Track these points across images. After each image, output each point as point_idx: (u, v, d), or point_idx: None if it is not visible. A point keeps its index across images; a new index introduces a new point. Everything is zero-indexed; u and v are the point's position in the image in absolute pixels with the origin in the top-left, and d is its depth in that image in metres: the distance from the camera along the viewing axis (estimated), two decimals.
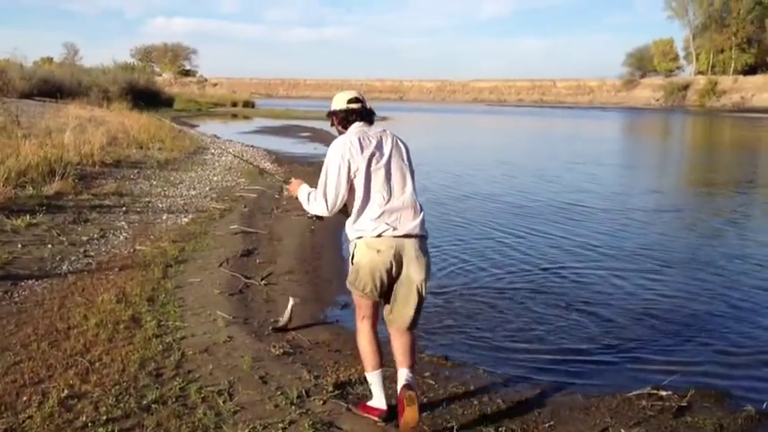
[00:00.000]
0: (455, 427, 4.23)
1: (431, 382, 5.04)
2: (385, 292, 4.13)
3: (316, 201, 4.20)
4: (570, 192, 16.03)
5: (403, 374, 4.14)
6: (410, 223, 4.07)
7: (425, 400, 4.68)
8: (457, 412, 4.52)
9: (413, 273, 4.04)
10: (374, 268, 4.01)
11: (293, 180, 4.65)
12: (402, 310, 4.12)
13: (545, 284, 8.03)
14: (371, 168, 4.08)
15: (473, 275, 8.36)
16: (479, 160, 23.90)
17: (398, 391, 4.06)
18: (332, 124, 4.40)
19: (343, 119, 4.30)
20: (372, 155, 4.10)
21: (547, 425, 4.42)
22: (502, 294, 7.60)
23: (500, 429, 4.29)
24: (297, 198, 4.45)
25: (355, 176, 4.06)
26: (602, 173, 20.68)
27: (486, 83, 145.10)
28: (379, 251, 3.99)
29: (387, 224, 4.01)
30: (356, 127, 4.24)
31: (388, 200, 4.08)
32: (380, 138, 4.21)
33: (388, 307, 4.18)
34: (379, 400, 4.27)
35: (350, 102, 4.30)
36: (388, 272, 4.02)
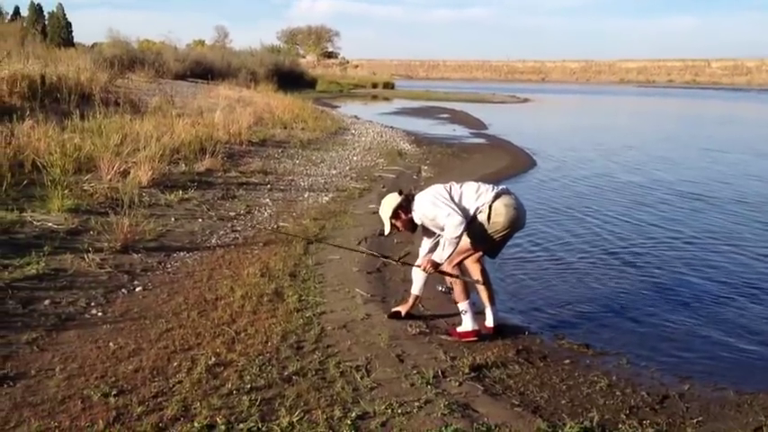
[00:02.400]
0: (595, 418, 4.10)
1: (570, 369, 4.92)
2: None
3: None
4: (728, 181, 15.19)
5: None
6: None
7: (564, 387, 4.58)
8: (598, 402, 4.40)
9: None
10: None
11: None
12: None
13: (692, 276, 7.66)
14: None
15: (615, 261, 8.09)
16: (621, 144, 23.04)
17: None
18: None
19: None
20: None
21: (695, 420, 4.21)
22: (648, 284, 7.31)
23: (644, 422, 4.12)
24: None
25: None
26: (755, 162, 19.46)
27: (633, 63, 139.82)
28: None
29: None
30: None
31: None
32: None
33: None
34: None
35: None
36: None
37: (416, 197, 5.35)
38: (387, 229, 5.43)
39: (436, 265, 5.15)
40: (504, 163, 16.54)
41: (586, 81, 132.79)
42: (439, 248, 5.10)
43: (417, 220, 5.35)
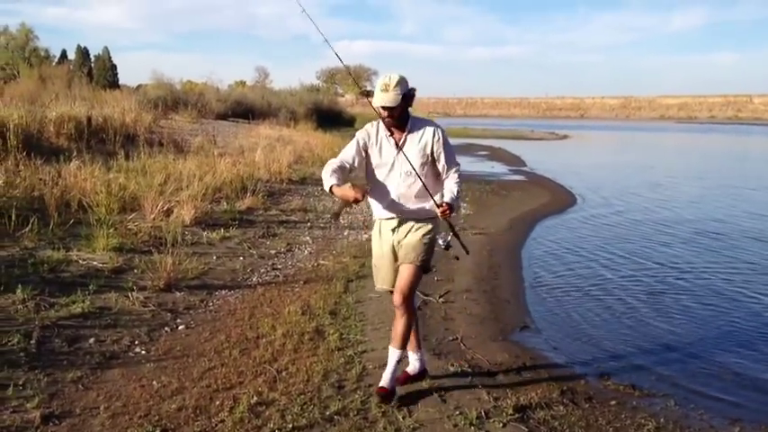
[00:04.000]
0: None
1: (617, 410, 4.82)
2: None
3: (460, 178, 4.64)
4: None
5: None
6: None
7: (611, 429, 4.48)
8: None
9: None
10: None
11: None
12: None
13: (737, 314, 7.49)
14: None
15: (657, 299, 7.95)
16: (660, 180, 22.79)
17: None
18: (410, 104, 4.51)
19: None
20: None
21: None
22: (692, 322, 7.17)
23: None
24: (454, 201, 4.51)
25: None
26: None
27: (674, 99, 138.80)
28: None
29: None
30: None
31: None
32: None
33: None
34: None
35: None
36: None
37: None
38: (392, 100, 4.32)
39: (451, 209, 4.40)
40: (545, 200, 16.44)
41: (626, 117, 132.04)
42: (448, 194, 4.44)
43: (415, 138, 4.49)
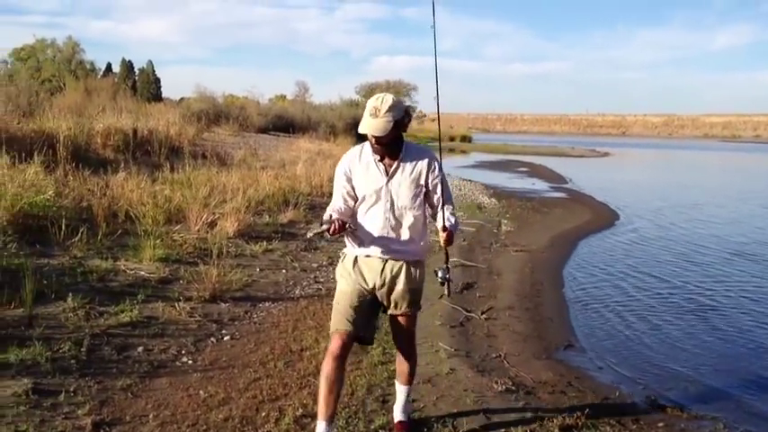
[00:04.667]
0: None
1: None
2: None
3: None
4: None
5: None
6: None
7: None
8: None
9: None
10: None
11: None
12: None
13: None
14: None
15: (704, 318, 7.83)
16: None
17: None
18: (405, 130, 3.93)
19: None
20: None
21: None
22: (740, 343, 7.05)
23: None
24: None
25: None
26: None
27: (718, 117, 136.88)
28: None
29: None
30: None
31: None
32: None
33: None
34: None
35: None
36: None
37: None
38: (380, 129, 3.78)
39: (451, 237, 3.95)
40: (587, 218, 16.30)
41: (668, 135, 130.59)
42: (447, 221, 3.91)
43: (408, 167, 3.92)
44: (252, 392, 4.91)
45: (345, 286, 4.01)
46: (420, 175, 3.91)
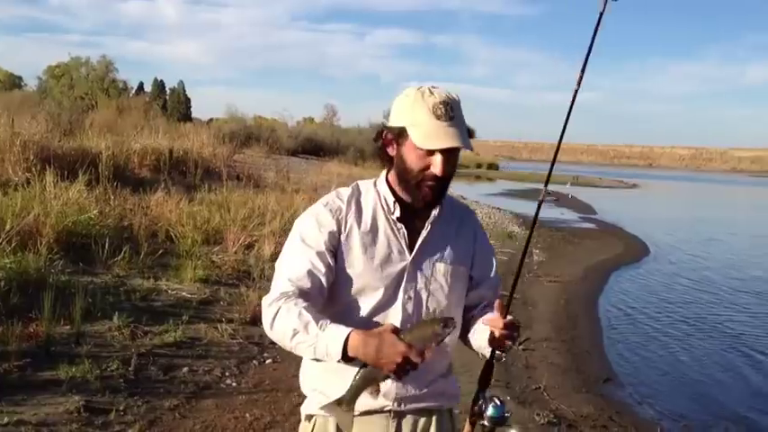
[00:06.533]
0: None
1: None
2: None
3: None
4: None
5: None
6: None
7: None
8: None
9: None
10: None
11: None
12: None
13: None
14: None
15: (740, 354, 7.77)
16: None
17: None
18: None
19: None
20: None
21: None
22: None
23: None
24: None
25: None
26: None
27: (747, 151, 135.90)
28: None
29: None
30: None
31: None
32: None
33: None
34: None
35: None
36: None
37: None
38: (462, 140, 2.02)
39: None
40: (618, 250, 16.22)
41: (696, 168, 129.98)
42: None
43: (449, 231, 2.24)
44: (297, 417, 4.87)
45: None
46: (467, 251, 2.27)
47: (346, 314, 2.09)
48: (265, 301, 2.07)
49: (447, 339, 2.02)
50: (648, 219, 26.53)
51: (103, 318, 6.17)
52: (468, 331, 2.30)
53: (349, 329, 1.88)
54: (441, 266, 2.18)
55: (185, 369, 5.54)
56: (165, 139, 18.71)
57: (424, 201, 2.10)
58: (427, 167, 2.04)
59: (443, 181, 2.08)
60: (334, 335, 1.88)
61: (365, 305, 2.12)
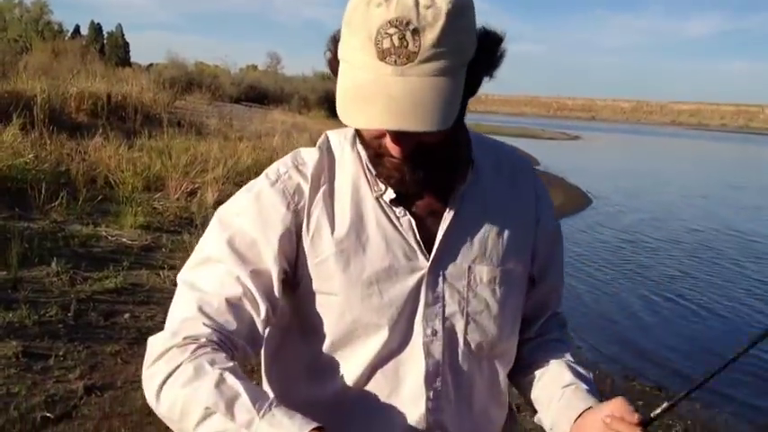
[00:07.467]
0: None
1: (644, 412, 4.88)
2: None
3: None
4: None
5: None
6: None
7: None
8: None
9: None
10: None
11: None
12: None
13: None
14: None
15: (681, 299, 8.03)
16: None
17: None
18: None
19: None
20: None
21: None
22: (718, 324, 7.24)
23: None
24: None
25: None
26: None
27: (686, 105, 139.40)
28: None
29: None
30: None
31: None
32: None
33: None
34: None
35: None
36: None
37: None
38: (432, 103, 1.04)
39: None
40: (559, 201, 16.47)
41: (637, 121, 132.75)
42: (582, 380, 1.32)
43: (493, 219, 1.29)
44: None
45: None
46: (526, 235, 1.37)
47: (315, 380, 1.26)
48: (152, 346, 1.18)
49: (500, 378, 1.35)
50: (589, 169, 26.98)
51: (41, 263, 6.05)
52: (528, 373, 1.40)
53: (313, 425, 1.01)
54: (484, 271, 1.27)
55: (127, 315, 5.48)
56: (103, 83, 18.18)
57: (393, 185, 1.20)
58: (382, 136, 1.14)
59: (423, 157, 1.14)
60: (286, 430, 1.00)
61: (354, 360, 1.23)
